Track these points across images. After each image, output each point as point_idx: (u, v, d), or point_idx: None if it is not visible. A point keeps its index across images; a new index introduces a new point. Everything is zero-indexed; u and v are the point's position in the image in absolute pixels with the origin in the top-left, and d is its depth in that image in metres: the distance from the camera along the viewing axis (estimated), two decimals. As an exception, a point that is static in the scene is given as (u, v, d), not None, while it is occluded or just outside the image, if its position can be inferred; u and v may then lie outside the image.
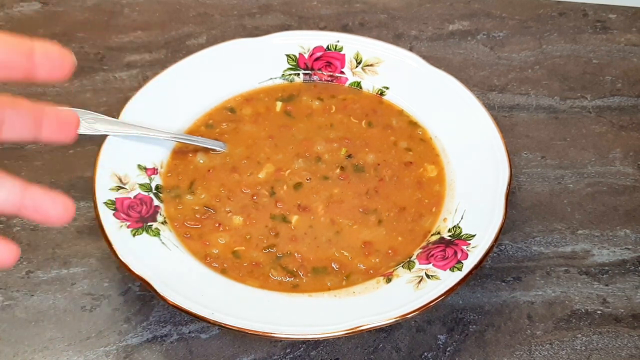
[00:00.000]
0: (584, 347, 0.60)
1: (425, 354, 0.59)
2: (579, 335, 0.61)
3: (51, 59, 0.39)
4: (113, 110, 0.72)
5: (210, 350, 0.59)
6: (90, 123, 0.67)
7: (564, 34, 0.87)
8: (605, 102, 0.80)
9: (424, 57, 0.76)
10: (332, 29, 0.86)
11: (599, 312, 0.62)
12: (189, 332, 0.60)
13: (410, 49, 0.83)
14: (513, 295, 0.63)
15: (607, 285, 0.64)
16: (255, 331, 0.55)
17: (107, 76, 0.82)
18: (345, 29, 0.86)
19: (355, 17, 0.89)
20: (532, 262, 0.66)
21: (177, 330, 0.61)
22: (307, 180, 0.68)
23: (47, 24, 0.87)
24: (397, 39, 0.86)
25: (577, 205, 0.70)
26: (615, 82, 0.82)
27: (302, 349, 0.60)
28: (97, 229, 0.63)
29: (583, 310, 0.62)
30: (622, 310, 0.62)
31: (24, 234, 0.67)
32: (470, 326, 0.61)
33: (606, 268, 0.65)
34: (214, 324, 0.56)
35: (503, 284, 0.64)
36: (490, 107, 0.78)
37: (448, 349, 0.60)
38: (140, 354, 0.59)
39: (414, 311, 0.56)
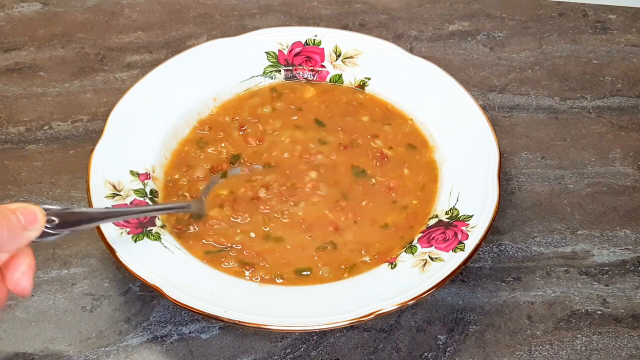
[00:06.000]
0: (584, 348, 0.60)
1: (426, 354, 0.59)
2: (579, 336, 0.61)
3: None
4: (113, 110, 0.72)
5: (210, 351, 0.59)
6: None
7: (564, 35, 0.87)
8: (605, 102, 0.80)
9: (425, 58, 0.76)
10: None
11: (599, 312, 0.62)
12: (189, 332, 0.60)
13: (411, 50, 0.83)
14: (513, 296, 0.63)
15: (607, 285, 0.64)
16: (273, 326, 0.56)
17: (108, 76, 0.82)
18: (345, 29, 0.86)
19: (355, 18, 0.89)
20: (532, 263, 0.66)
21: (178, 331, 0.61)
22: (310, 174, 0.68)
23: (47, 24, 0.88)
24: (397, 39, 0.85)
25: (577, 205, 0.70)
26: (615, 83, 0.82)
27: (302, 349, 0.60)
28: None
29: (583, 310, 0.62)
30: (622, 311, 0.63)
31: (24, 234, 0.67)
32: (471, 326, 0.61)
33: (606, 268, 0.65)
34: (227, 322, 0.56)
35: (503, 284, 0.64)
36: (490, 108, 0.78)
37: (448, 349, 0.60)
38: (141, 354, 0.59)
39: (426, 292, 0.57)
